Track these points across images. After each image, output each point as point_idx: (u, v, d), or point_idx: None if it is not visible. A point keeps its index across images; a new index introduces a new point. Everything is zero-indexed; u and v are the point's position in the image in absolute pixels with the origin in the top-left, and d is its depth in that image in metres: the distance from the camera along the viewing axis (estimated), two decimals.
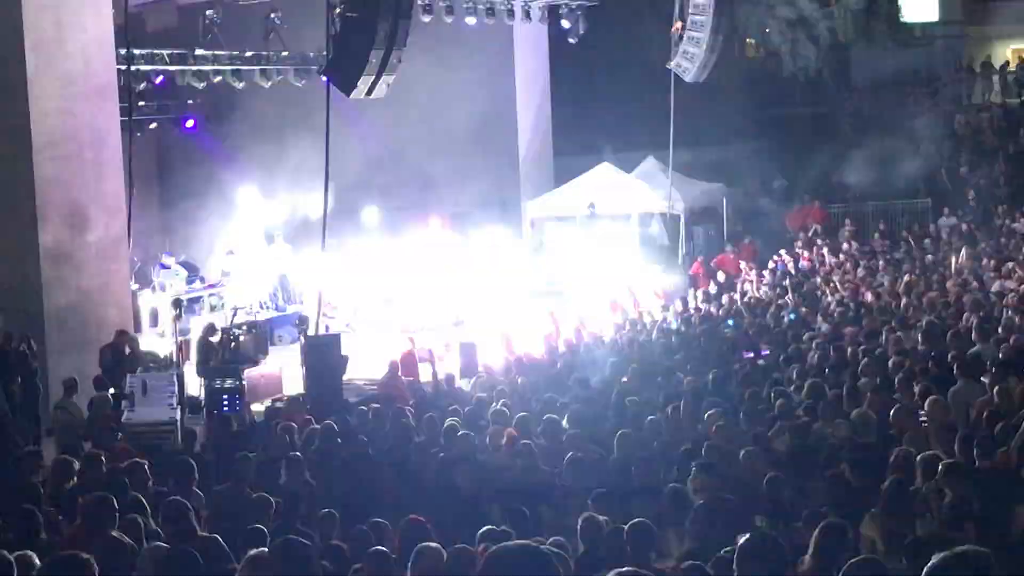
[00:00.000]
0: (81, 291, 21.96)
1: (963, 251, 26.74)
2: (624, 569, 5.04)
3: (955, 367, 14.78)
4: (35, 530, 10.01)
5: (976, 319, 18.49)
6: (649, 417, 14.22)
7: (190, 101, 34.16)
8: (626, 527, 9.17)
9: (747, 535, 7.35)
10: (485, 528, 9.62)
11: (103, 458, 12.77)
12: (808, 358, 17.65)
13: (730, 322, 22.36)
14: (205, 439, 17.02)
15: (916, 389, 13.96)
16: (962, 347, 16.65)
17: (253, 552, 7.55)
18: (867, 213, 34.53)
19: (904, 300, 22.04)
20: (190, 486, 11.73)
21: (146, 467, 11.95)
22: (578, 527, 9.56)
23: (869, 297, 22.98)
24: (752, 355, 18.71)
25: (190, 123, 34.03)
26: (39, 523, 10.13)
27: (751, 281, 27.89)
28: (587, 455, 12.54)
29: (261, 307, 28.58)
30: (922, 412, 13.05)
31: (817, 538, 8.22)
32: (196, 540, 8.96)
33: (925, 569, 4.72)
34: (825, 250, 30.03)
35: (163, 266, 28.79)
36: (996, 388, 13.56)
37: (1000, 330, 17.68)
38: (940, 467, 10.09)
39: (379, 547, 9.09)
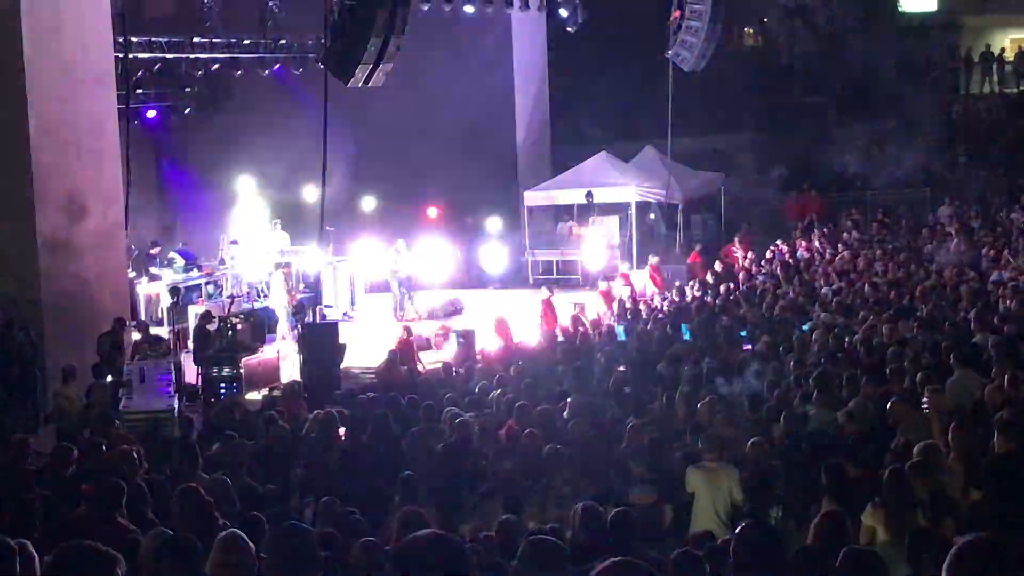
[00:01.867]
0: (78, 279, 21.93)
1: (955, 242, 26.73)
2: (619, 558, 5.03)
3: (952, 357, 14.75)
4: (27, 516, 9.99)
5: (975, 309, 18.49)
6: (648, 406, 14.24)
7: (187, 88, 34.09)
8: (617, 515, 9.18)
9: (744, 524, 7.36)
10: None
11: (101, 446, 12.75)
12: (806, 347, 17.65)
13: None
14: (201, 427, 17.00)
15: (915, 379, 13.95)
16: (960, 336, 16.65)
17: (223, 534, 7.51)
18: (865, 202, 34.54)
19: (902, 289, 22.04)
20: (192, 472, 11.70)
21: (141, 455, 11.93)
22: (576, 515, 9.55)
23: (866, 286, 22.95)
24: (751, 347, 18.67)
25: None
26: (33, 510, 10.11)
27: (748, 270, 27.87)
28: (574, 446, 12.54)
29: (259, 295, 28.56)
30: (922, 401, 13.02)
31: (815, 527, 8.23)
32: (215, 528, 8.92)
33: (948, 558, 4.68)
34: (823, 240, 30.00)
35: (151, 256, 28.76)
36: (999, 378, 13.54)
37: (998, 319, 17.66)
38: (908, 463, 10.08)
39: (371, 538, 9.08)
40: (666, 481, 11.43)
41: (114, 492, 9.62)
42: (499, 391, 16.31)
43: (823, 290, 23.45)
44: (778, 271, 26.43)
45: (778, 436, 12.36)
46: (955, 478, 10.56)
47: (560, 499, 11.06)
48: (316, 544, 8.09)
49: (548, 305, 26.02)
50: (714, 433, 12.03)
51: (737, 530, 7.17)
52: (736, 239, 31.74)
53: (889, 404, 12.86)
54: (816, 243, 29.95)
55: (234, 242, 29.28)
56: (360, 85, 22.36)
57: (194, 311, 24.89)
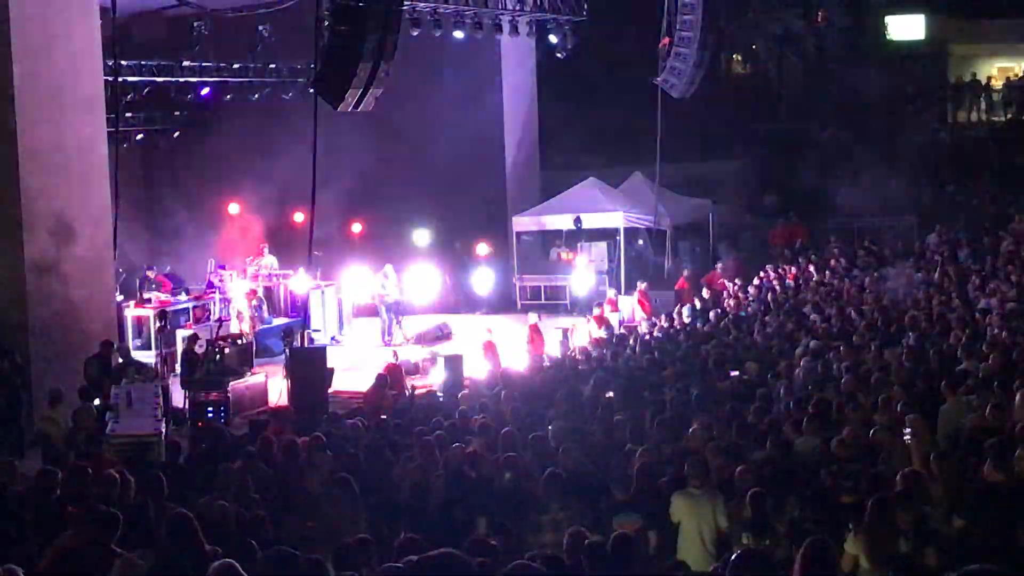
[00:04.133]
0: (66, 302, 21.89)
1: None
2: None
3: (942, 384, 14.79)
4: (14, 540, 9.94)
5: (963, 336, 18.54)
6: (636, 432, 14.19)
7: (177, 113, 34.13)
8: (609, 540, 9.17)
9: (738, 552, 7.36)
10: (472, 539, 9.59)
11: (87, 469, 12.67)
12: (794, 374, 17.66)
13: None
14: (189, 451, 16.93)
15: (899, 406, 13.97)
16: (947, 364, 16.68)
17: (216, 565, 7.48)
18: (853, 230, 34.59)
19: (888, 317, 22.07)
20: (163, 499, 11.59)
21: (131, 480, 11.86)
22: (564, 542, 9.54)
23: (854, 314, 22.98)
24: (737, 374, 18.65)
25: (176, 134, 33.94)
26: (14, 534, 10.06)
27: (735, 297, 27.86)
28: (569, 470, 12.49)
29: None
30: (905, 429, 13.04)
31: (802, 555, 8.22)
32: (203, 554, 8.86)
33: None
34: (811, 267, 30.03)
35: (146, 278, 28.78)
36: (988, 405, 13.56)
37: (985, 347, 17.69)
38: (887, 497, 10.07)
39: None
40: (653, 508, 11.39)
41: (108, 521, 9.53)
42: (483, 416, 16.31)
43: (812, 316, 23.47)
44: (767, 298, 26.46)
45: (761, 463, 12.31)
46: (939, 507, 10.57)
47: (555, 524, 11.02)
48: (306, 570, 8.06)
49: (535, 330, 26.04)
50: (700, 459, 11.99)
51: (731, 558, 7.17)
52: (718, 266, 31.77)
53: (872, 432, 12.89)
54: (803, 270, 29.96)
55: (221, 266, 29.23)
56: (350, 110, 22.38)
57: (182, 335, 24.85)
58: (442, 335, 30.06)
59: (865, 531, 9.61)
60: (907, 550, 9.49)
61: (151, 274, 29.15)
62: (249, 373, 23.26)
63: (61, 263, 21.85)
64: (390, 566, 8.35)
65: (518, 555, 9.37)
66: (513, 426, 15.09)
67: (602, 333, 25.96)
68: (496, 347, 24.62)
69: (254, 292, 28.47)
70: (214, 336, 23.75)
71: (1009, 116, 40.45)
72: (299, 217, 30.92)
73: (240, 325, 26.81)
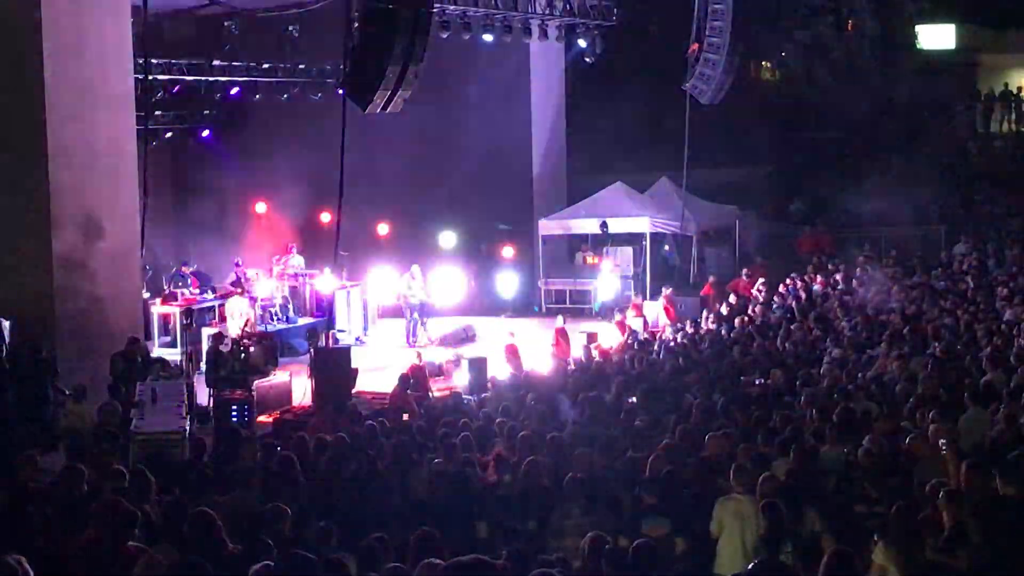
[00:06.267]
0: (93, 298, 21.98)
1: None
2: None
3: (966, 395, 14.73)
4: (29, 534, 9.97)
5: (989, 347, 18.45)
6: (664, 441, 14.13)
7: (206, 111, 34.26)
8: (631, 547, 9.14)
9: (756, 561, 7.34)
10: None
11: (107, 465, 12.70)
12: (819, 382, 17.60)
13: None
14: (212, 449, 16.95)
15: (928, 416, 13.90)
16: (974, 375, 16.61)
17: (256, 567, 7.51)
18: (879, 239, 34.46)
19: (914, 326, 21.98)
20: (198, 496, 11.65)
21: (152, 477, 11.88)
22: (584, 546, 9.52)
23: (879, 323, 22.90)
24: (762, 381, 18.59)
25: (205, 132, 34.23)
26: (32, 527, 10.09)
27: (761, 304, 27.79)
28: (589, 474, 12.48)
29: (272, 318, 28.55)
30: (934, 439, 12.97)
31: (824, 565, 8.19)
32: (225, 552, 8.87)
33: None
34: (838, 275, 29.92)
35: (180, 274, 28.87)
36: (1008, 416, 13.50)
37: (1012, 359, 17.60)
38: (941, 494, 10.04)
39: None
40: (680, 513, 11.35)
41: (125, 519, 9.54)
42: (506, 419, 16.30)
43: (841, 324, 23.39)
44: (793, 305, 26.39)
45: (784, 471, 12.26)
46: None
47: (578, 528, 10.99)
48: (320, 572, 8.06)
49: (561, 334, 26.04)
50: (742, 465, 11.89)
51: (748, 567, 7.15)
52: (744, 273, 31.68)
53: (897, 442, 12.83)
54: (830, 278, 29.86)
55: (237, 264, 29.27)
56: (378, 111, 22.43)
57: (207, 332, 24.90)
58: (466, 337, 30.07)
59: (894, 540, 9.55)
60: (935, 557, 9.44)
61: (186, 270, 29.22)
62: (274, 372, 23.29)
63: (89, 260, 21.94)
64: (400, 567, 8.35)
65: (533, 559, 9.40)
66: (535, 429, 15.11)
67: (626, 338, 25.94)
68: (518, 350, 24.61)
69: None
70: (239, 334, 23.78)
71: None
72: (326, 217, 30.97)
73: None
